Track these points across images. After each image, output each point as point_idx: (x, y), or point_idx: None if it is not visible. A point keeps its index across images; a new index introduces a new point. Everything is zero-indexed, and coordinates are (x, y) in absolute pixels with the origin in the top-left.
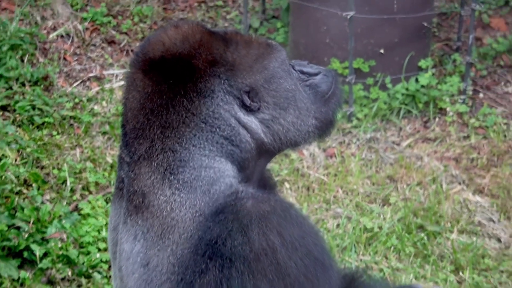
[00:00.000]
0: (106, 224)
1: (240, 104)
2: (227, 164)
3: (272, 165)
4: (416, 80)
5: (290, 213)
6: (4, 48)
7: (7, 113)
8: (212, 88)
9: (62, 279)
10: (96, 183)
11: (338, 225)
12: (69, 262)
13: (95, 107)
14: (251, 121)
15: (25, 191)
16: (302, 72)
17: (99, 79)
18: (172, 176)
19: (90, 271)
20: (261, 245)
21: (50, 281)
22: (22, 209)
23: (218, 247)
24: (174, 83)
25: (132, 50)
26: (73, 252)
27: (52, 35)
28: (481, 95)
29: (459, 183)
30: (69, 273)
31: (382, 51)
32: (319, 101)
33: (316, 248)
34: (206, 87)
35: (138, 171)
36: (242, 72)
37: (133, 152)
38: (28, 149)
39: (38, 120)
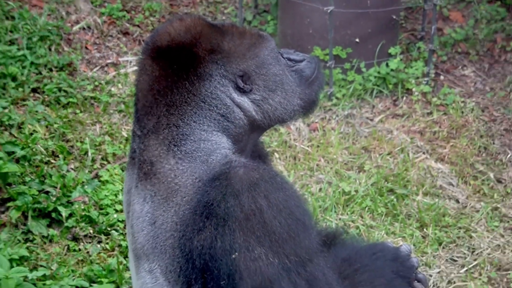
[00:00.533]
0: (122, 189)
1: (234, 86)
2: (223, 138)
3: (264, 138)
4: (387, 65)
5: (276, 180)
6: (35, 39)
7: (37, 95)
8: (210, 72)
9: (85, 236)
10: (113, 154)
11: (320, 189)
12: (90, 221)
13: (112, 89)
14: (244, 101)
15: (52, 161)
16: (289, 59)
17: (115, 65)
18: (176, 148)
19: (109, 229)
20: (250, 207)
21: (75, 238)
22: (50, 176)
23: (214, 209)
24: (178, 68)
25: (143, 40)
26: (94, 213)
27: (75, 28)
28: (441, 77)
29: (423, 153)
30: (91, 231)
31: (357, 40)
32: (303, 84)
33: (298, 210)
34: (205, 72)
35: (147, 143)
36: (236, 59)
37: (143, 127)
38: (55, 125)
39: (63, 100)
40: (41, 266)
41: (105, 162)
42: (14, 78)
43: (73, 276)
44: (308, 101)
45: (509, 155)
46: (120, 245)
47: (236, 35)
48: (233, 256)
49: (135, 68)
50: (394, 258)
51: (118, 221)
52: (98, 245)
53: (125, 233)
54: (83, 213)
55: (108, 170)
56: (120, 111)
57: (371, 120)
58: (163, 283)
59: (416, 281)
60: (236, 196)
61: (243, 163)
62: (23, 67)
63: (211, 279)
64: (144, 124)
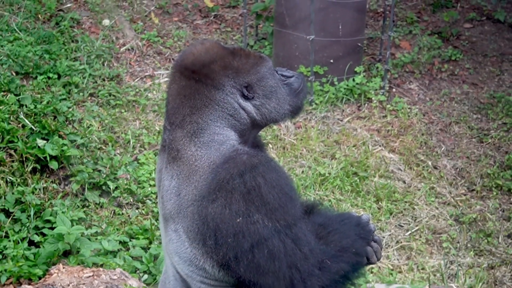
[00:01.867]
0: (155, 169)
1: (241, 94)
2: (231, 132)
3: (261, 133)
4: (353, 80)
5: (271, 164)
6: (92, 57)
7: (93, 98)
8: (223, 83)
9: (126, 203)
10: (149, 143)
11: (302, 172)
12: (131, 193)
13: (149, 95)
14: (248, 105)
15: (103, 147)
16: (282, 75)
17: (151, 77)
18: (196, 139)
19: (144, 198)
20: (251, 184)
21: (119, 205)
22: (102, 159)
23: (224, 185)
24: (199, 80)
25: (173, 59)
26: (133, 187)
27: (122, 49)
28: (394, 89)
29: (379, 146)
30: (131, 200)
31: (331, 61)
32: (292, 94)
33: (286, 187)
34: (220, 83)
35: (175, 135)
36: (243, 74)
37: (172, 123)
38: (106, 121)
39: (112, 102)
40: (94, 225)
41: (143, 149)
42: (76, 86)
43: (117, 233)
44: (295, 107)
45: (443, 148)
46: (152, 211)
47: (243, 56)
48: (238, 220)
49: (166, 79)
50: (357, 224)
51: (151, 193)
52: (136, 211)
53: (157, 202)
54: (126, 187)
55: (145, 155)
56: (154, 111)
57: (341, 120)
58: (185, 239)
59: (373, 242)
60: (241, 175)
61: (246, 151)
62: (84, 78)
63: (221, 237)
64: (172, 120)
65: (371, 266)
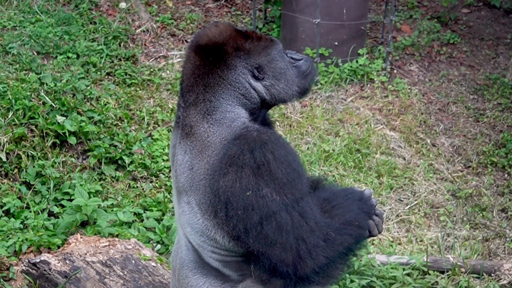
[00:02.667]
0: (168, 144)
1: (252, 75)
2: (242, 110)
3: (270, 112)
4: (356, 61)
5: (279, 140)
6: (109, 38)
7: (110, 77)
8: (235, 64)
9: (141, 177)
10: (162, 120)
11: (307, 148)
12: (145, 167)
13: (163, 74)
14: (258, 85)
15: (119, 124)
16: (292, 58)
17: (165, 57)
18: (209, 116)
19: (158, 172)
20: (260, 159)
21: (134, 179)
22: (118, 135)
23: (235, 159)
24: (213, 60)
25: (186, 40)
26: (147, 161)
27: (138, 30)
28: (395, 71)
29: (381, 124)
30: (145, 174)
31: (336, 43)
32: (300, 77)
33: (294, 163)
34: (232, 64)
35: (188, 112)
36: (254, 55)
37: (186, 101)
38: (122, 99)
39: (128, 81)
40: (110, 197)
41: (157, 125)
42: (94, 65)
43: (132, 205)
44: (303, 88)
45: (441, 127)
46: (165, 184)
47: (255, 38)
48: (248, 193)
49: (180, 59)
50: (359, 198)
51: (165, 167)
52: (150, 184)
53: (170, 176)
54: (140, 161)
55: (158, 131)
56: (168, 90)
57: (345, 100)
58: (197, 211)
59: (375, 215)
60: (251, 151)
61: (256, 128)
62: (101, 58)
63: (231, 209)
64: (186, 98)
65: (372, 238)
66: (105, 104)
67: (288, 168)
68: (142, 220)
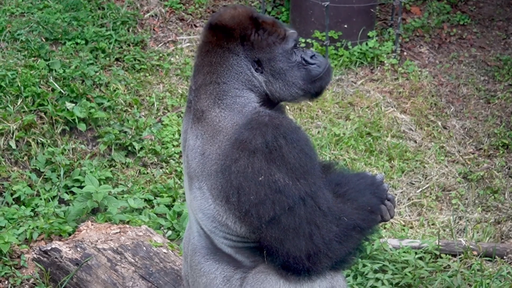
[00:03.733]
0: (179, 130)
1: (253, 65)
2: (252, 95)
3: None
4: (366, 44)
5: (291, 125)
6: (118, 23)
7: (119, 62)
8: (238, 50)
9: (151, 163)
10: (172, 105)
11: (318, 132)
12: (155, 153)
13: (172, 59)
14: (259, 77)
15: (129, 109)
16: (304, 59)
17: (174, 42)
18: (220, 101)
19: (168, 158)
20: (273, 144)
21: (144, 165)
22: (128, 121)
23: (247, 144)
24: (219, 39)
25: (195, 25)
26: (157, 147)
27: (146, 15)
28: (405, 53)
29: (392, 107)
30: (155, 160)
31: (346, 26)
32: (307, 80)
33: (306, 147)
34: (235, 49)
35: (199, 96)
36: (256, 49)
37: (196, 82)
38: (131, 84)
39: (137, 66)
40: (120, 184)
41: (166, 111)
42: (103, 51)
43: (143, 191)
44: (309, 93)
45: (452, 109)
46: (176, 170)
47: (267, 31)
48: (260, 178)
49: (188, 44)
50: (371, 183)
51: (175, 153)
52: (161, 170)
53: (181, 162)
54: (150, 147)
55: (168, 117)
56: (177, 75)
57: (355, 83)
58: (209, 196)
59: (387, 200)
60: (263, 136)
61: (268, 113)
62: (110, 43)
63: (243, 194)
64: (196, 80)
65: (384, 222)
66: (115, 90)
67: (301, 153)
68: (152, 207)
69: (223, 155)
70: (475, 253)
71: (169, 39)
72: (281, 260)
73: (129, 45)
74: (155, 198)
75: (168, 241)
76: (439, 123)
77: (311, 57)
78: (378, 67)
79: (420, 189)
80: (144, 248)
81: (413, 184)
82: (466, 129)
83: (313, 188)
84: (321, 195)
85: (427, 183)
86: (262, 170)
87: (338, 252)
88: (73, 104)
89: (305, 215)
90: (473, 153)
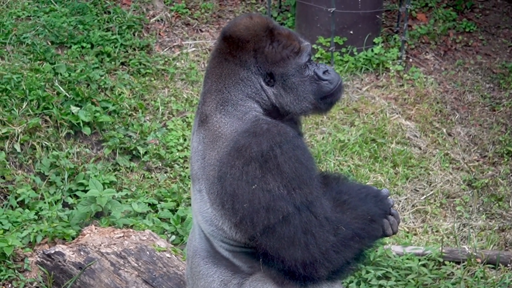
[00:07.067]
0: (183, 135)
1: (263, 79)
2: (254, 104)
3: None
4: (372, 50)
5: (289, 134)
6: (124, 27)
7: (124, 67)
8: (249, 63)
9: (155, 167)
10: (177, 110)
11: (323, 138)
12: (160, 157)
13: (177, 64)
14: (269, 90)
15: (134, 114)
16: (316, 75)
17: (179, 47)
18: (221, 107)
19: (172, 163)
20: (268, 153)
21: (148, 169)
22: (132, 125)
23: (242, 152)
24: (230, 50)
25: (201, 29)
26: (162, 152)
27: (152, 20)
28: (410, 60)
29: (397, 113)
30: (160, 164)
31: (351, 32)
32: (318, 96)
33: (302, 157)
34: (246, 61)
35: (205, 100)
36: (270, 63)
37: (204, 86)
38: (136, 89)
39: (142, 71)
40: (125, 188)
41: (171, 115)
42: (108, 55)
43: (147, 196)
44: (318, 108)
45: (457, 116)
46: (180, 175)
47: (281, 44)
48: (253, 186)
49: (194, 49)
50: (375, 195)
51: (179, 157)
52: (165, 174)
53: (185, 167)
54: (155, 151)
55: (173, 121)
56: (182, 80)
57: (360, 89)
58: (207, 200)
59: (390, 215)
60: (259, 144)
61: (267, 121)
62: (115, 47)
63: (237, 202)
64: (205, 84)
65: (386, 237)
66: (120, 94)
67: (297, 163)
68: (156, 211)
69: (221, 161)
70: (478, 260)
71: (175, 44)
72: (276, 268)
73: (134, 50)
74: (159, 203)
75: (172, 245)
76: (444, 130)
77: (323, 73)
78: (384, 74)
79: (424, 196)
80: (148, 252)
81: (418, 190)
82: (471, 136)
83: (309, 198)
84: (318, 204)
85: (431, 190)
86: (257, 178)
87: (336, 261)
88: (78, 108)
89: (300, 224)
90: (477, 161)
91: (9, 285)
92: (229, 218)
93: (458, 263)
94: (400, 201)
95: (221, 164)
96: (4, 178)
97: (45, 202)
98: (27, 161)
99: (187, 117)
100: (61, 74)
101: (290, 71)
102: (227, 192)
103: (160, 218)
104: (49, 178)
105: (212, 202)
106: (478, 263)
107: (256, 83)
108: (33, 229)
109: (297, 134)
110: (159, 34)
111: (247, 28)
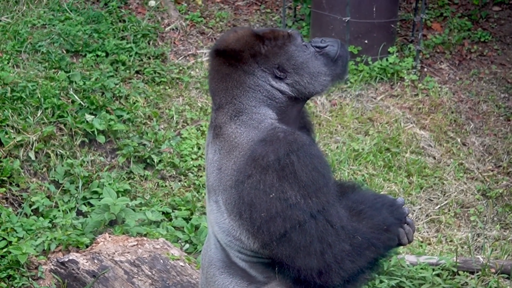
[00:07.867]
0: (197, 143)
1: (273, 76)
2: (269, 111)
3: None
4: (386, 60)
5: (305, 142)
6: (139, 36)
7: (139, 75)
8: (253, 69)
9: (170, 176)
10: (191, 119)
11: (337, 147)
12: (174, 166)
13: (192, 72)
14: (282, 85)
15: (148, 122)
16: (317, 47)
17: (194, 55)
18: (236, 118)
19: (187, 171)
20: (285, 161)
21: (162, 178)
22: (147, 133)
23: (259, 161)
24: (230, 65)
25: (215, 38)
26: (176, 160)
27: (167, 28)
28: (425, 69)
29: (411, 123)
30: (174, 173)
31: (366, 41)
32: (330, 63)
33: (320, 165)
34: (249, 69)
35: (217, 114)
36: (272, 57)
37: (214, 103)
38: (151, 97)
39: (157, 79)
40: (139, 196)
41: (186, 124)
42: (123, 63)
43: (161, 204)
44: (335, 75)
45: (471, 126)
46: (194, 183)
47: (271, 39)
48: (271, 196)
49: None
50: (391, 204)
51: (193, 166)
52: (179, 183)
53: (199, 175)
54: (169, 160)
55: (187, 130)
56: (197, 88)
57: (375, 98)
58: (224, 211)
59: (406, 224)
60: (276, 152)
61: (283, 129)
62: (130, 56)
63: (255, 211)
64: (214, 101)
65: (401, 246)
66: (134, 103)
67: (314, 171)
68: (170, 220)
69: (238, 171)
70: (493, 270)
71: (190, 53)
72: (292, 277)
73: (149, 58)
74: (173, 211)
75: (186, 254)
76: (459, 140)
77: (321, 42)
78: (398, 83)
79: (439, 206)
80: (161, 261)
81: (432, 200)
82: (486, 146)
83: (326, 206)
84: (334, 213)
85: (445, 200)
86: (274, 187)
87: (351, 270)
88: (93, 116)
89: (316, 233)
90: (492, 170)
91: None
92: (247, 228)
93: (472, 273)
94: (414, 210)
95: (238, 174)
96: (18, 186)
97: (59, 210)
98: (42, 169)
99: (202, 126)
100: (76, 83)
101: (294, 54)
102: (245, 202)
103: (174, 227)
104: (63, 186)
105: (229, 212)
106: (492, 273)
107: (266, 85)
108: (47, 237)
109: (313, 142)
110: (174, 42)
111: (237, 40)
